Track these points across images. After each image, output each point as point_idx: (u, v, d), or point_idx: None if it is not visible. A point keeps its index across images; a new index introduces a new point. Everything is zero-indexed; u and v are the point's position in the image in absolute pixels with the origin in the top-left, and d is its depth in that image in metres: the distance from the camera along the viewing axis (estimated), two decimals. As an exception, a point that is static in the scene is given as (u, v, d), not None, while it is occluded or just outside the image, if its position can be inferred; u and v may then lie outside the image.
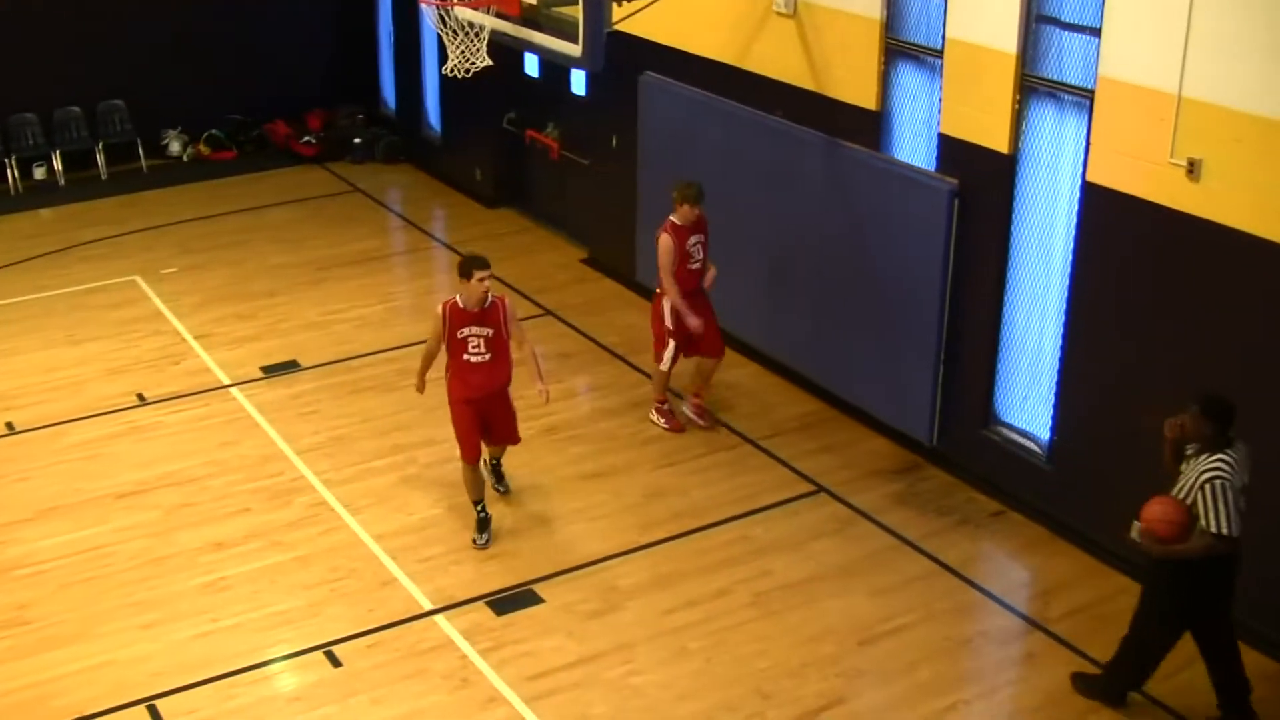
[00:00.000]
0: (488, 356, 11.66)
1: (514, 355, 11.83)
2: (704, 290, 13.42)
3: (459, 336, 11.58)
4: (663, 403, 13.84)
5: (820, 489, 12.66)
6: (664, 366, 13.57)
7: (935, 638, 10.67)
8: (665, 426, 13.73)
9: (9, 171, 21.11)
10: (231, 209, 20.22)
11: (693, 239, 13.11)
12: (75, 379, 15.03)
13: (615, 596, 11.20)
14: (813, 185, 13.54)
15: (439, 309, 11.61)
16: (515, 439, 12.38)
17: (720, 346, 13.57)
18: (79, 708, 9.98)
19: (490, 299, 11.60)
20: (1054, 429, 11.93)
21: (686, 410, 13.92)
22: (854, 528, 12.13)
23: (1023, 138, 11.79)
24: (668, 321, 13.35)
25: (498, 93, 19.08)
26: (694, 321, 13.11)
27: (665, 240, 13.06)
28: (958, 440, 12.77)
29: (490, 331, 11.61)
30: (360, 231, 19.30)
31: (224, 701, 10.09)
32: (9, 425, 14.04)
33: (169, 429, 13.91)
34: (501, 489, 12.68)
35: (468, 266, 11.50)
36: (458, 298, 11.58)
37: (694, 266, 13.20)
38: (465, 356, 11.63)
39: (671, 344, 13.45)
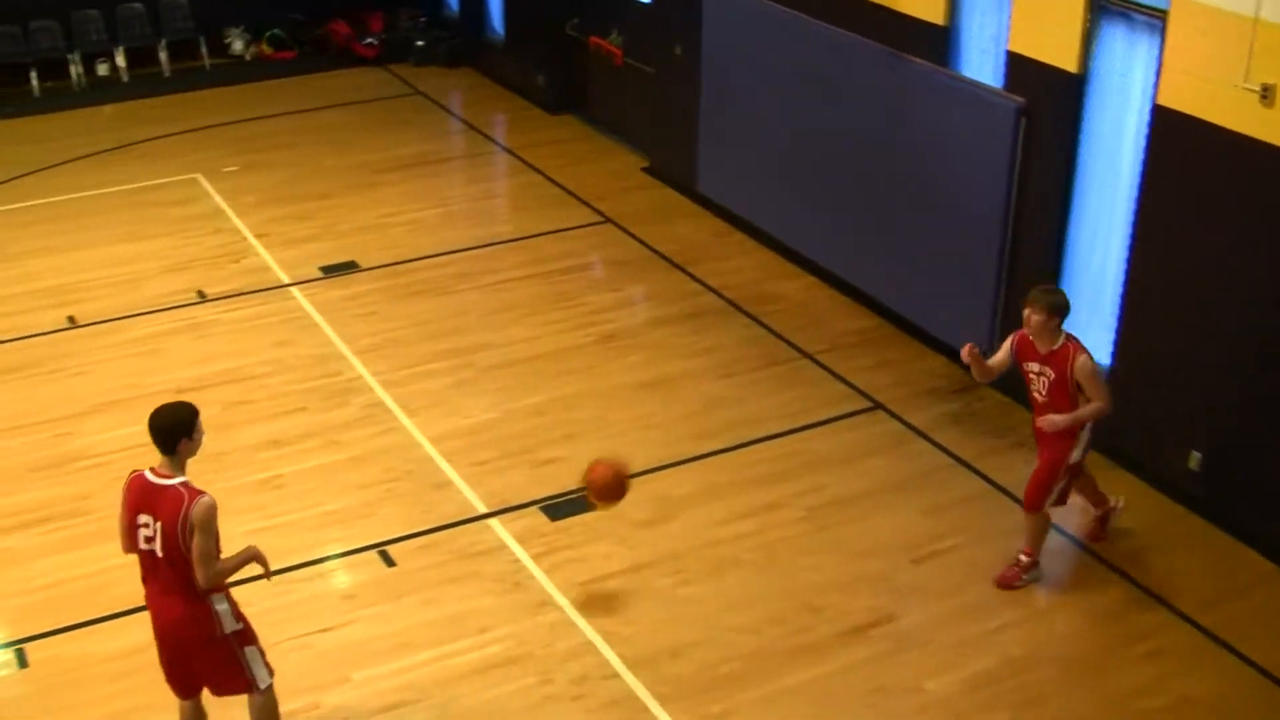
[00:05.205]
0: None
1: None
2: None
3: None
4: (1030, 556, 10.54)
5: (876, 405, 12.63)
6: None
7: (986, 558, 10.64)
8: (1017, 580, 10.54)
9: (73, 67, 21.15)
10: (292, 109, 20.22)
11: (1034, 365, 9.94)
12: (135, 275, 15.13)
13: (668, 506, 11.23)
14: (877, 100, 13.40)
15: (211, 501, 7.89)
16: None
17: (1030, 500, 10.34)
18: (135, 598, 10.01)
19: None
20: (1114, 355, 11.84)
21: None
22: (908, 445, 12.10)
23: (1092, 57, 11.64)
24: (1074, 454, 10.11)
25: (562, -3, 19.08)
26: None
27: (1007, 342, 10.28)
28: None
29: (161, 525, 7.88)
30: (419, 134, 19.26)
31: (278, 596, 10.18)
32: (70, 319, 14.15)
33: (228, 326, 13.99)
34: None
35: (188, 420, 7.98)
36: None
37: (1033, 394, 10.08)
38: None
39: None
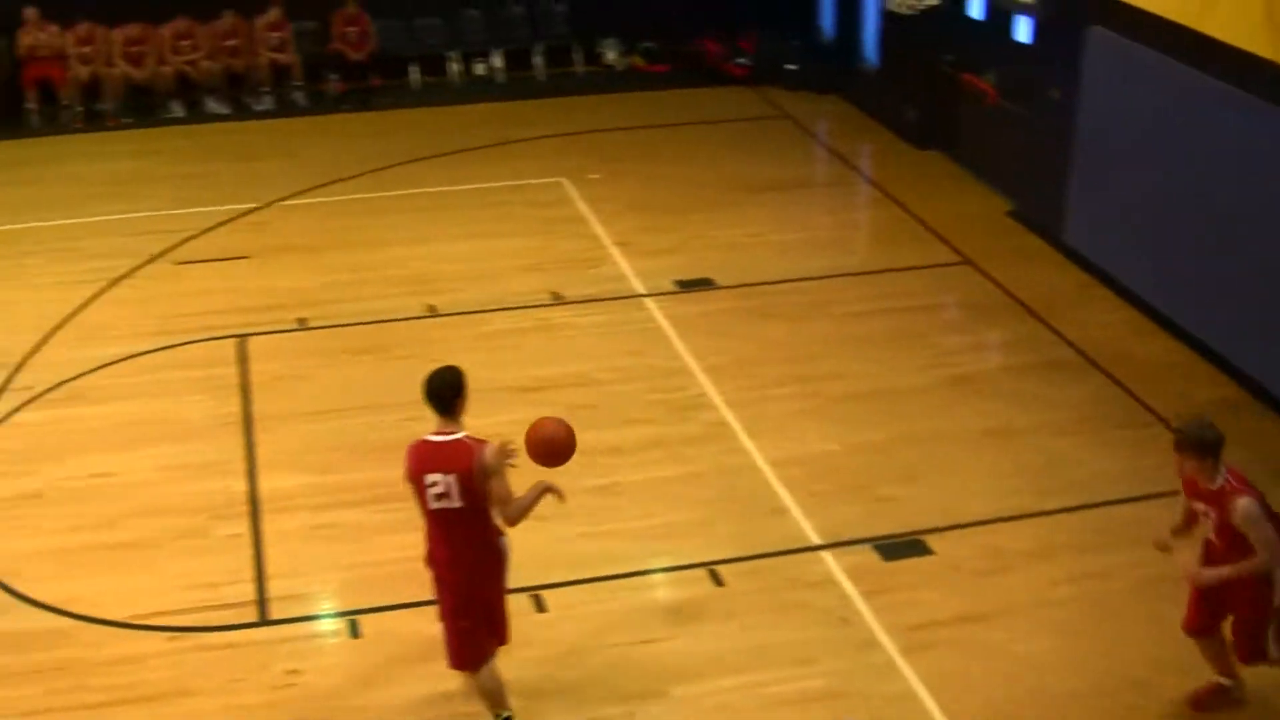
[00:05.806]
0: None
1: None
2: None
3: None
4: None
5: (1230, 482, 12.08)
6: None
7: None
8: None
9: (452, 64, 21.87)
10: (659, 122, 20.51)
11: (1200, 505, 8.84)
12: (495, 271, 15.54)
13: (1004, 560, 10.94)
14: (1263, 163, 12.87)
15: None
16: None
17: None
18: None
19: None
20: None
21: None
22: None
23: None
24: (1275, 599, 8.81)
25: (938, 32, 18.85)
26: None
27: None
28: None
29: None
30: (784, 158, 19.32)
31: (603, 602, 10.33)
32: (431, 308, 14.60)
33: (579, 330, 14.24)
34: None
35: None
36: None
37: (1208, 535, 8.96)
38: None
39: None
